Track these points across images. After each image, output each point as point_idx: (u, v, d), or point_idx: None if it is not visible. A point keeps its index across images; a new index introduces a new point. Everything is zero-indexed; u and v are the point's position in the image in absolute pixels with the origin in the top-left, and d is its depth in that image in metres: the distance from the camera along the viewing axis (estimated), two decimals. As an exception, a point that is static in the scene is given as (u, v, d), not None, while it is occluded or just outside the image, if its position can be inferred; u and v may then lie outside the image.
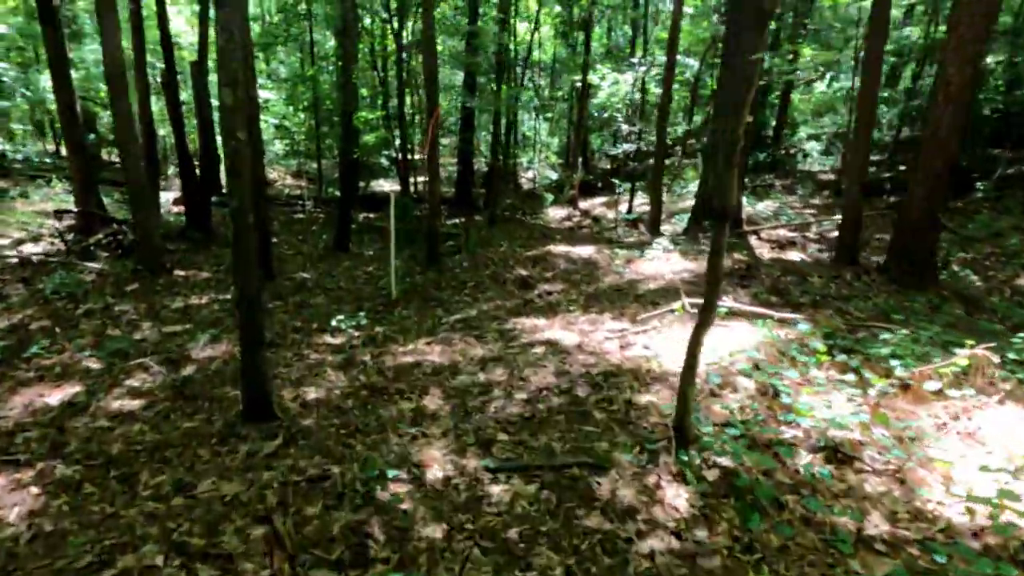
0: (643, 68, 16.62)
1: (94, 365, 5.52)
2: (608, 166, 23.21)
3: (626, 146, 13.39)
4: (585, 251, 10.64)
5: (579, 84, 20.15)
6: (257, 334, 4.22)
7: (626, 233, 13.55)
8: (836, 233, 10.32)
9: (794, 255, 10.47)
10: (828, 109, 22.56)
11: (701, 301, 3.86)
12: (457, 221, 15.49)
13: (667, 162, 15.00)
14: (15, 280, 7.96)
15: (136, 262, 8.61)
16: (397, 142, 21.45)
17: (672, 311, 6.56)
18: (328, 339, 6.41)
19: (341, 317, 6.93)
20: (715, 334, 5.46)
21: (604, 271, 9.03)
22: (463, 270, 9.49)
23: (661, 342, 5.82)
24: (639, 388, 4.88)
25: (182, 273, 8.78)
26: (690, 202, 15.11)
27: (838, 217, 10.47)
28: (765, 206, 14.22)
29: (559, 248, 11.07)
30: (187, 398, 4.88)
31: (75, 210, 10.67)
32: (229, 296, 7.56)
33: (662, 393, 4.77)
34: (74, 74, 11.51)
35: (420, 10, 10.99)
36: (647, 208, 14.66)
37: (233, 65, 3.81)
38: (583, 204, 18.44)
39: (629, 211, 14.43)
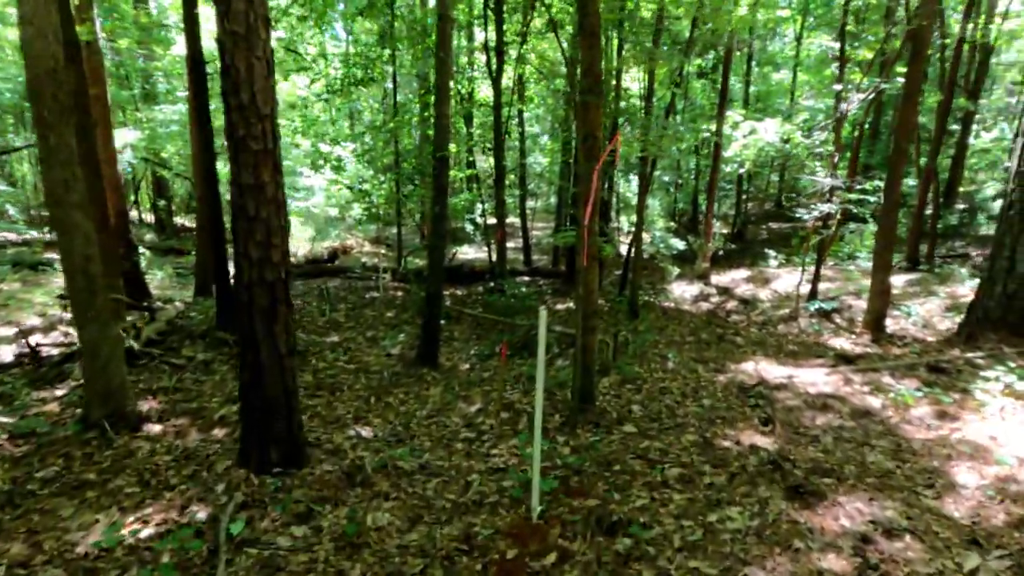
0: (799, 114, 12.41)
1: None
2: (727, 230, 18.79)
3: (825, 207, 8.95)
4: (812, 376, 6.22)
5: (706, 135, 16.13)
6: None
7: (815, 327, 9.05)
8: None
9: None
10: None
11: None
12: (571, 306, 11.29)
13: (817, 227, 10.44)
14: None
15: (85, 412, 4.78)
16: (484, 205, 17.96)
17: None
18: None
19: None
20: None
21: (906, 442, 4.57)
22: (635, 418, 5.23)
23: None
24: None
25: (158, 429, 4.89)
26: (867, 281, 10.49)
27: None
28: None
29: (766, 369, 6.67)
30: None
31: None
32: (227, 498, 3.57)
33: None
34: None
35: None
36: (832, 290, 10.10)
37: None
38: (718, 278, 14.01)
39: (813, 295, 9.91)
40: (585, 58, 4.63)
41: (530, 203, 21.67)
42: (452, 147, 16.34)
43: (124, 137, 14.56)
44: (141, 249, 12.75)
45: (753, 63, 20.07)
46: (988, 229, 14.76)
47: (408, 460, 4.43)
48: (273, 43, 12.34)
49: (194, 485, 3.90)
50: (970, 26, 10.72)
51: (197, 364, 6.77)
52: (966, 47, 12.56)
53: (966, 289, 9.42)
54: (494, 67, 11.98)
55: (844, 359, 6.82)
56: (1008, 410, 4.78)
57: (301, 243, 19.85)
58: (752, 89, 20.63)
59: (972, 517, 3.47)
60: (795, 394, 5.74)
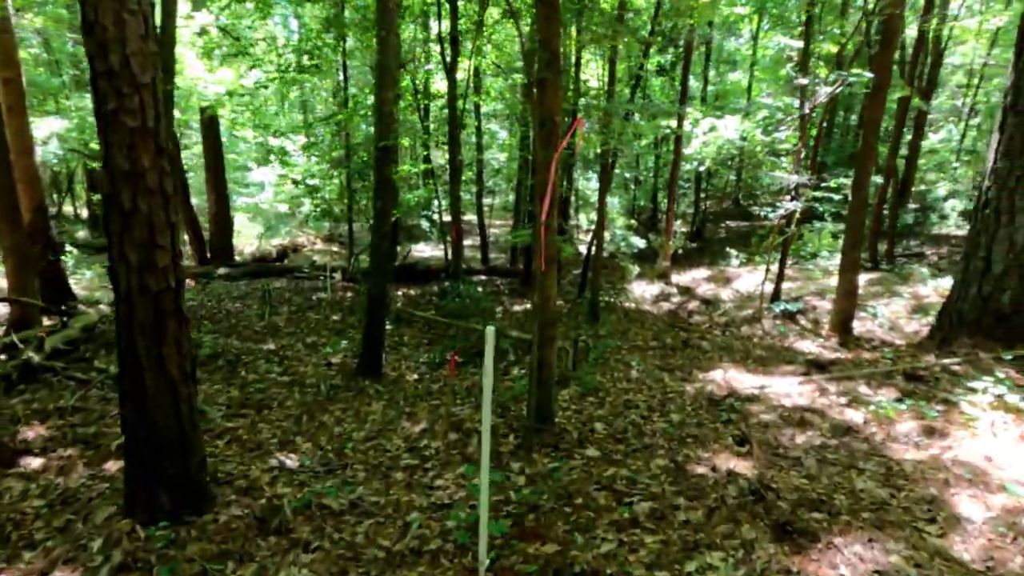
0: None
1: None
2: (686, 229, 18.50)
3: (791, 204, 8.56)
4: (784, 385, 5.76)
5: (667, 131, 15.76)
6: None
7: (780, 329, 8.67)
8: None
9: None
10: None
11: None
12: (529, 307, 10.70)
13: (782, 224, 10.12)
14: None
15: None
16: (440, 201, 17.20)
17: None
18: None
19: None
20: None
21: (896, 464, 4.08)
22: (598, 439, 4.64)
23: None
24: None
25: (39, 463, 4.08)
26: (830, 281, 10.22)
27: None
28: None
29: (736, 378, 6.19)
30: None
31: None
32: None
33: None
34: None
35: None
36: (794, 289, 9.76)
37: None
38: (678, 277, 13.63)
39: (776, 296, 9.54)
40: (542, 31, 4.01)
41: (488, 200, 21.00)
42: (405, 140, 15.57)
43: (50, 126, 13.38)
44: (70, 247, 11.64)
45: (711, 64, 19.86)
46: (940, 228, 14.77)
47: (337, 497, 3.74)
48: (206, 21, 11.23)
49: (64, 541, 3.14)
50: (934, 22, 10.51)
51: (109, 378, 5.92)
52: (927, 44, 12.43)
53: (928, 289, 9.17)
54: (448, 57, 11.27)
55: (816, 366, 6.39)
56: (999, 425, 4.37)
57: (249, 241, 18.77)
58: (710, 88, 20.42)
59: (985, 560, 2.99)
60: (769, 407, 5.25)
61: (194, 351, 3.86)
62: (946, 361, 5.88)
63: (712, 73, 20.84)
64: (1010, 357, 5.70)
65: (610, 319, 9.26)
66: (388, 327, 8.53)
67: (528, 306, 10.76)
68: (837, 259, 11.96)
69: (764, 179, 20.42)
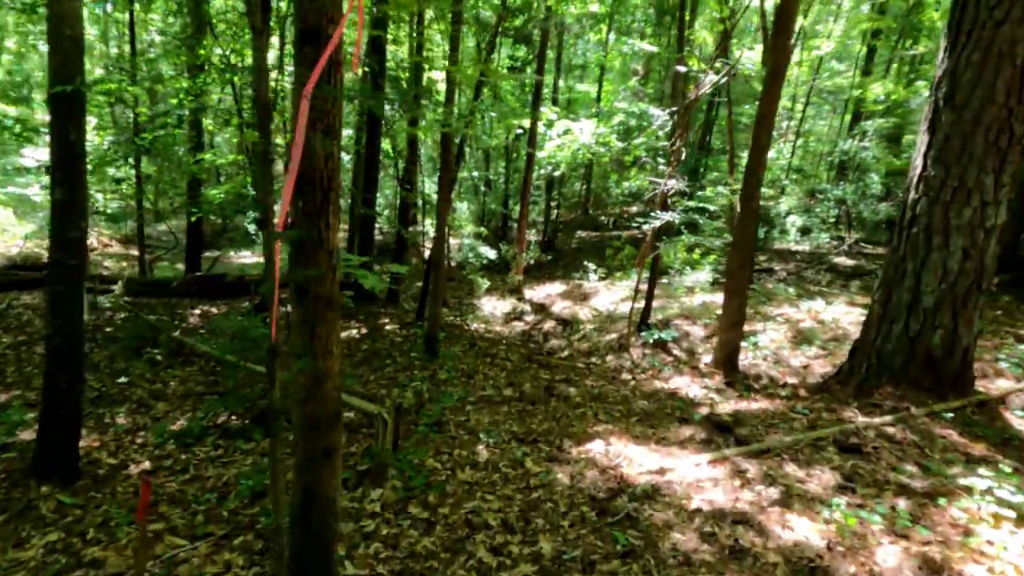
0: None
1: None
2: (538, 238, 16.97)
3: (664, 215, 6.94)
4: (688, 468, 3.94)
5: (519, 132, 14.05)
6: None
7: (653, 361, 7.09)
8: None
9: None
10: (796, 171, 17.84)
11: None
12: (356, 332, 8.28)
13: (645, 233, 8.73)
14: None
15: None
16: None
17: None
18: None
19: None
20: None
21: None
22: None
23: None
24: None
25: None
26: (693, 300, 8.99)
27: None
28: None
29: (622, 453, 4.28)
30: None
31: None
32: None
33: None
34: None
35: None
36: (657, 309, 8.26)
37: None
38: (532, 292, 11.91)
39: (645, 320, 7.97)
40: None
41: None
42: (208, 123, 12.35)
43: None
44: None
45: (561, 71, 18.60)
46: (781, 243, 14.44)
47: None
48: None
49: None
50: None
51: None
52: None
53: (802, 312, 8.09)
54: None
55: (717, 427, 4.70)
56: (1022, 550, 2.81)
57: (16, 241, 14.21)
58: (562, 97, 19.18)
59: None
60: (680, 516, 3.38)
61: None
62: (876, 421, 4.42)
63: (562, 83, 19.62)
64: (950, 415, 4.36)
65: (454, 352, 7.12)
66: (153, 366, 5.80)
67: (355, 333, 8.32)
68: (698, 275, 10.87)
69: (614, 188, 19.55)
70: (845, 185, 13.08)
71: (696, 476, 3.81)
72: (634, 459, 4.10)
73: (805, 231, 14.67)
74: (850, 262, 12.09)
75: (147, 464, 4.14)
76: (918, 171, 4.68)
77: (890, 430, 4.31)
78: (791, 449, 4.13)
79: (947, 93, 4.49)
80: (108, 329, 7.68)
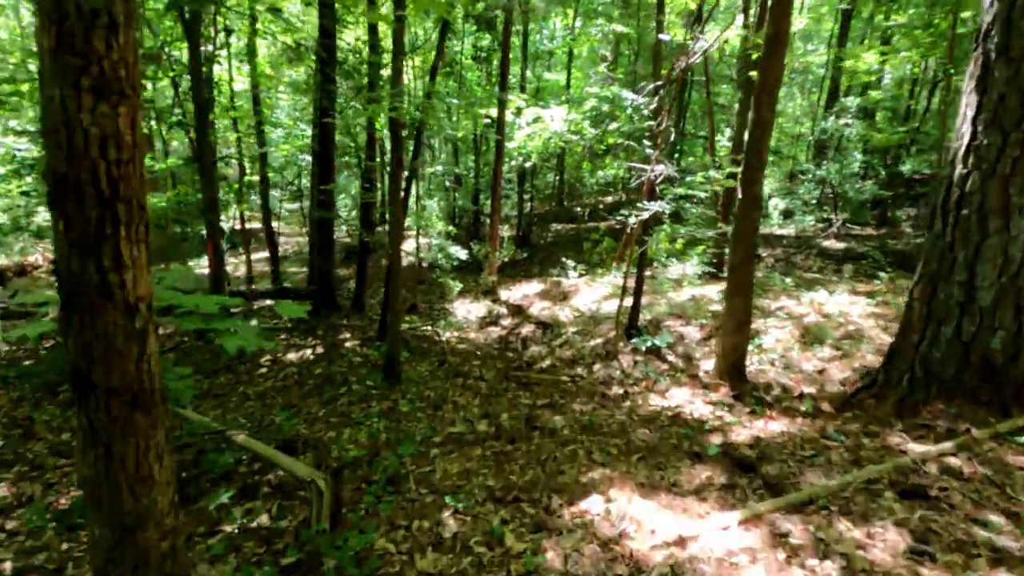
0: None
1: None
2: (511, 233, 15.98)
3: (654, 205, 6.01)
4: (719, 539, 2.97)
5: (487, 123, 13.05)
6: None
7: (646, 371, 6.18)
8: None
9: None
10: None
11: None
12: (311, 352, 7.23)
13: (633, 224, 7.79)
14: None
15: None
16: (236, 206, 12.93)
17: None
18: None
19: None
20: None
21: None
22: None
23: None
24: None
25: None
26: (681, 294, 8.10)
27: None
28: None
29: (626, 512, 3.32)
30: None
31: None
32: None
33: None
34: None
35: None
36: (645, 307, 7.32)
37: None
38: (508, 293, 10.94)
39: (633, 323, 7.06)
40: None
41: (295, 205, 16.78)
42: (145, 126, 11.09)
43: None
44: None
45: (528, 60, 17.57)
46: (764, 228, 13.63)
47: None
48: None
49: None
50: None
51: None
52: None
53: (803, 306, 7.25)
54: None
55: (738, 463, 3.79)
56: None
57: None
58: (530, 87, 18.16)
59: None
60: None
61: None
62: (934, 450, 3.54)
63: (529, 73, 18.58)
64: (1022, 439, 3.50)
65: (420, 374, 6.12)
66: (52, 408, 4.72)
67: (319, 348, 7.26)
68: (685, 267, 9.99)
69: (588, 177, 18.62)
70: (828, 165, 12.30)
71: (726, 547, 2.89)
72: (643, 522, 3.16)
73: (787, 214, 13.91)
74: (839, 245, 11.33)
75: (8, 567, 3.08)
76: (966, 140, 3.79)
77: (953, 461, 3.44)
78: (838, 496, 3.23)
79: (1000, 43, 3.60)
80: None
